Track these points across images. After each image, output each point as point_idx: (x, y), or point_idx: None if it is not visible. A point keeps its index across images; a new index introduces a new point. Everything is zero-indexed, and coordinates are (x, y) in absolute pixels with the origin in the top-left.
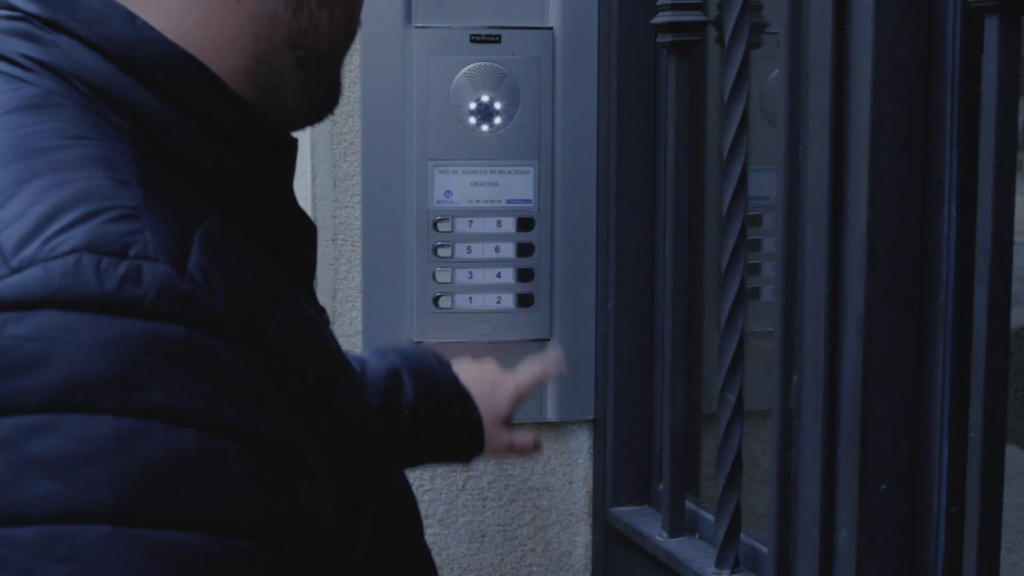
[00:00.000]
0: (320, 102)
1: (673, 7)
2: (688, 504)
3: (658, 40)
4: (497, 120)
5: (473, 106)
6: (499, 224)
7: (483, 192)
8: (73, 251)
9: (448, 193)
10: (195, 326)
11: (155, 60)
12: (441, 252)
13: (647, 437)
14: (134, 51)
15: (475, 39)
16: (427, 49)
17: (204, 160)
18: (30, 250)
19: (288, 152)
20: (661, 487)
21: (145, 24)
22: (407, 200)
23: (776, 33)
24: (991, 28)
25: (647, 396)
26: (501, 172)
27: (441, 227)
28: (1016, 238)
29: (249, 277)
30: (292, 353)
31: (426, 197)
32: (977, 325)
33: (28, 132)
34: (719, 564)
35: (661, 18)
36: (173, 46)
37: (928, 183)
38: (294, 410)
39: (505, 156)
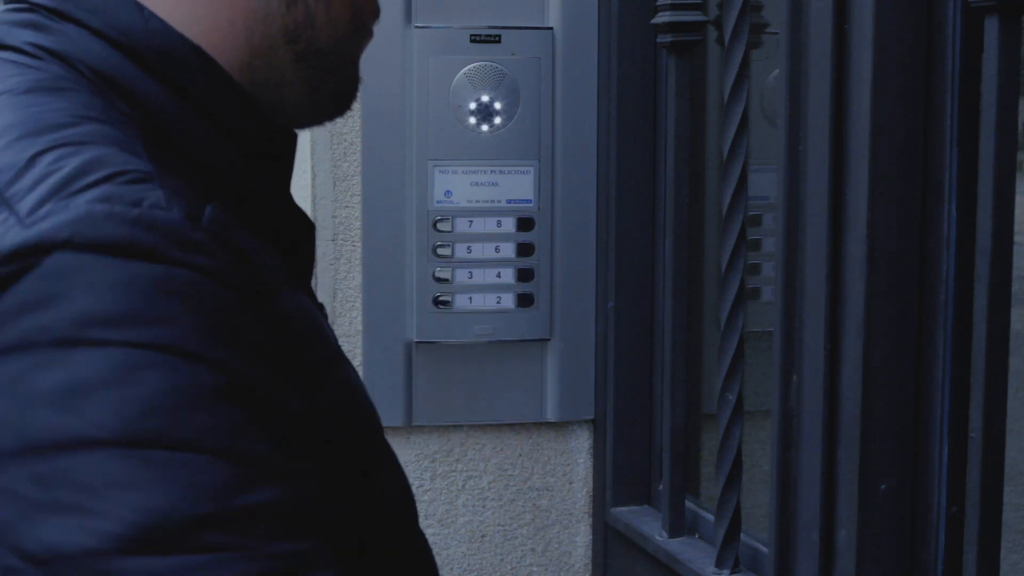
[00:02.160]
0: (330, 98)
1: (673, 7)
2: (688, 504)
3: (658, 40)
4: (497, 120)
5: (473, 106)
6: (499, 224)
7: (483, 192)
8: (87, 204)
9: (448, 193)
10: (204, 274)
11: (161, 50)
12: (441, 252)
13: (647, 437)
14: (141, 41)
15: (475, 39)
16: (427, 49)
17: (206, 150)
18: (45, 209)
19: (288, 147)
20: (661, 487)
21: (152, 14)
22: (407, 200)
23: (776, 33)
24: (991, 28)
25: (647, 396)
26: (501, 172)
27: (441, 227)
28: (1016, 238)
29: (256, 254)
30: (296, 328)
31: (426, 197)
32: (977, 325)
33: (40, 110)
34: (719, 564)
35: (661, 18)
36: (180, 37)
37: (928, 183)
38: (294, 378)
39: (505, 156)
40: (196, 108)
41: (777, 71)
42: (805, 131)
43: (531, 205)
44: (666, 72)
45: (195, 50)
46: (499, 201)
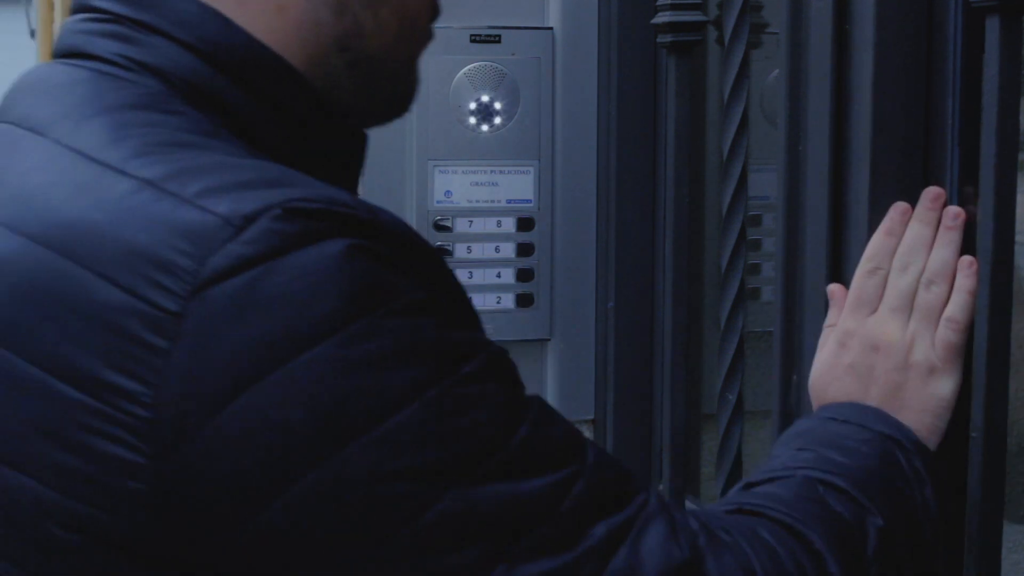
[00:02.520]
0: (386, 102)
1: (673, 7)
2: (688, 504)
3: (658, 40)
4: (497, 120)
5: (473, 106)
6: (499, 224)
7: (483, 192)
8: (279, 204)
9: (448, 193)
10: (387, 244)
11: (247, 61)
12: (441, 252)
13: (647, 437)
14: (229, 53)
15: (475, 39)
16: (427, 49)
17: (289, 155)
18: (244, 209)
19: (360, 147)
20: (661, 487)
21: (239, 27)
22: (407, 200)
23: (776, 33)
24: (992, 28)
25: (647, 396)
26: (501, 172)
27: (441, 227)
28: (1017, 238)
29: None
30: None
31: (426, 197)
32: (977, 325)
33: (161, 129)
34: None
35: (661, 18)
36: (263, 47)
37: (928, 183)
38: None
39: (505, 156)
40: (279, 114)
41: (777, 71)
42: (805, 131)
43: (531, 205)
44: (666, 72)
45: (277, 59)
46: (499, 201)
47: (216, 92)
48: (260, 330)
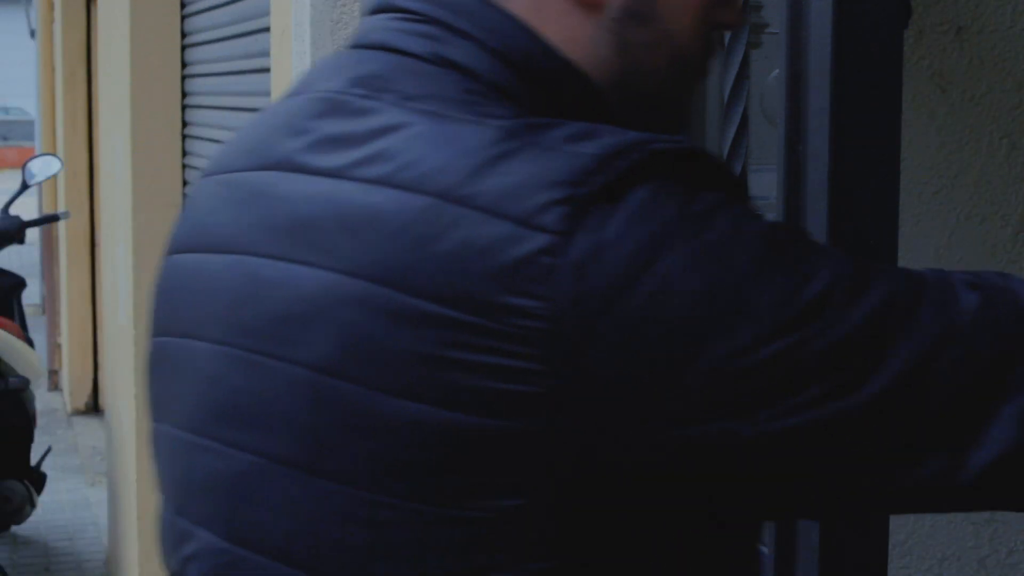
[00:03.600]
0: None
1: None
2: None
3: None
4: None
5: None
6: None
7: None
8: (638, 142)
9: None
10: (706, 164)
11: (554, 72)
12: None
13: None
14: (534, 62)
15: None
16: None
17: None
18: (611, 147)
19: None
20: None
21: (545, 40)
22: None
23: (776, 33)
24: None
25: None
26: None
27: None
28: None
29: None
30: None
31: None
32: None
33: (486, 110)
34: None
35: None
36: (567, 63)
37: None
38: None
39: None
40: None
41: (777, 71)
42: (805, 131)
43: None
44: None
45: (582, 75)
46: None
47: (518, 96)
48: (629, 240)
